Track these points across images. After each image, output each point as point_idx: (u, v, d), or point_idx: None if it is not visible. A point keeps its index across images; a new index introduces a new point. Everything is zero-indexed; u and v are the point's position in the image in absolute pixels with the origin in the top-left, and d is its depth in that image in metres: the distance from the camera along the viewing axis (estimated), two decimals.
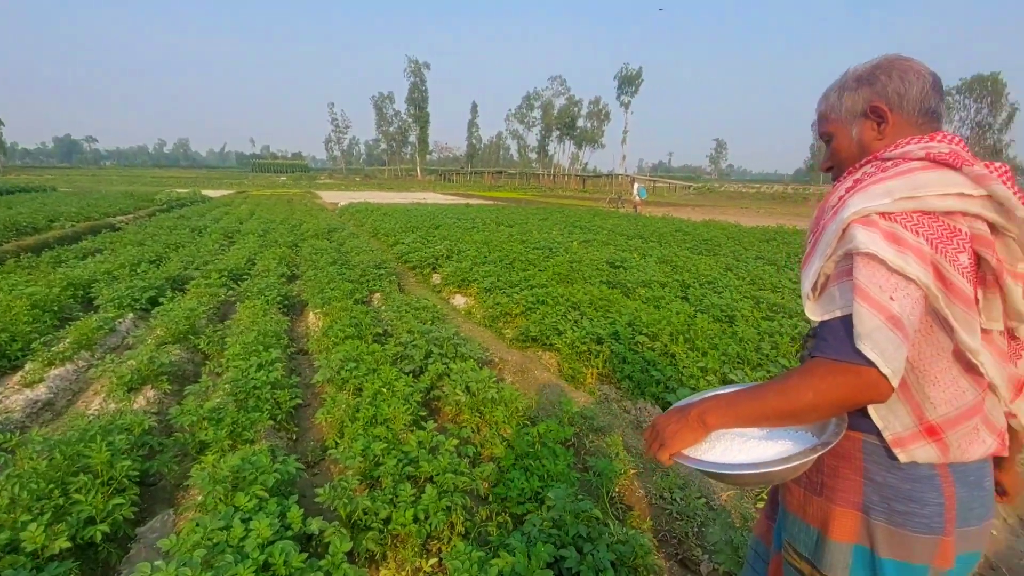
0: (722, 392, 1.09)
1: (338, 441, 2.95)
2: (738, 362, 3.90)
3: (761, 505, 2.49)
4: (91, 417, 2.90)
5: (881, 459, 0.98)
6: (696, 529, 2.34)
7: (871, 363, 0.82)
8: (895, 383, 0.83)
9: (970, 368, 0.92)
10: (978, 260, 0.90)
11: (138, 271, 6.72)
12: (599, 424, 3.12)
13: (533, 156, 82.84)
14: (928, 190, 0.88)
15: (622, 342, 4.20)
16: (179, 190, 28.14)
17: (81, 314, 5.31)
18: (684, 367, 3.77)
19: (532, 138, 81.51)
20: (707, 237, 11.53)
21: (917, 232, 0.87)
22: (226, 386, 3.27)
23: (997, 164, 0.92)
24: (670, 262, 7.93)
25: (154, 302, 5.66)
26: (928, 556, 0.95)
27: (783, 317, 4.99)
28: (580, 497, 2.20)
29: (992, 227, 0.90)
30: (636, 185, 28.04)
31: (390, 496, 2.19)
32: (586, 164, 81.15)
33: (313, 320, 5.40)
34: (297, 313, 5.98)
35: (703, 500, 2.48)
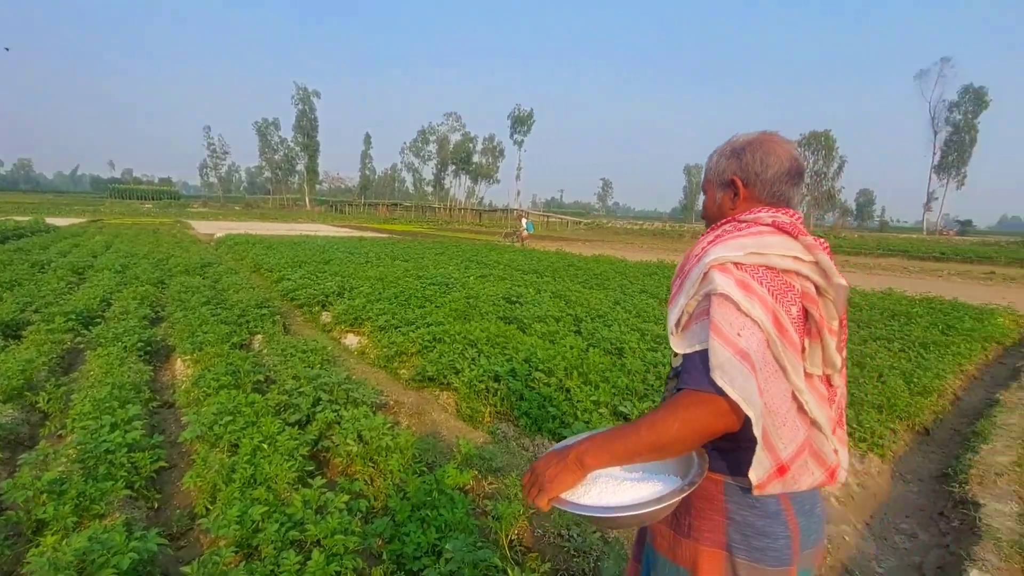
0: (596, 432, 1.13)
1: (209, 507, 2.64)
2: (627, 393, 4.10)
3: None
4: None
5: (740, 499, 1.08)
6: (592, 564, 2.38)
7: (722, 392, 0.93)
8: (747, 411, 0.94)
9: (800, 408, 1.06)
10: (806, 314, 1.06)
11: None
12: (497, 465, 3.10)
13: (429, 189, 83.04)
14: (772, 250, 1.05)
15: (519, 379, 4.25)
16: (17, 218, 24.34)
17: None
18: (578, 401, 3.89)
19: (428, 171, 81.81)
20: (597, 271, 12.17)
21: (762, 283, 1.02)
22: (71, 451, 2.82)
23: (821, 240, 1.10)
24: (564, 296, 8.23)
25: None
26: None
27: (666, 348, 5.36)
28: (479, 545, 2.16)
29: (817, 288, 1.07)
30: (524, 220, 29.48)
31: (271, 567, 1.99)
32: (482, 198, 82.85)
33: (181, 368, 4.87)
34: (162, 360, 5.35)
35: (598, 535, 2.54)
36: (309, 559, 2.00)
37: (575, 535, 2.54)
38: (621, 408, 3.82)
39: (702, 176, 1.32)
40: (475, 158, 77.60)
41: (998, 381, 6.04)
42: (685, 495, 0.99)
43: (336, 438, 3.09)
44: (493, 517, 2.48)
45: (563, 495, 1.02)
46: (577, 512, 1.00)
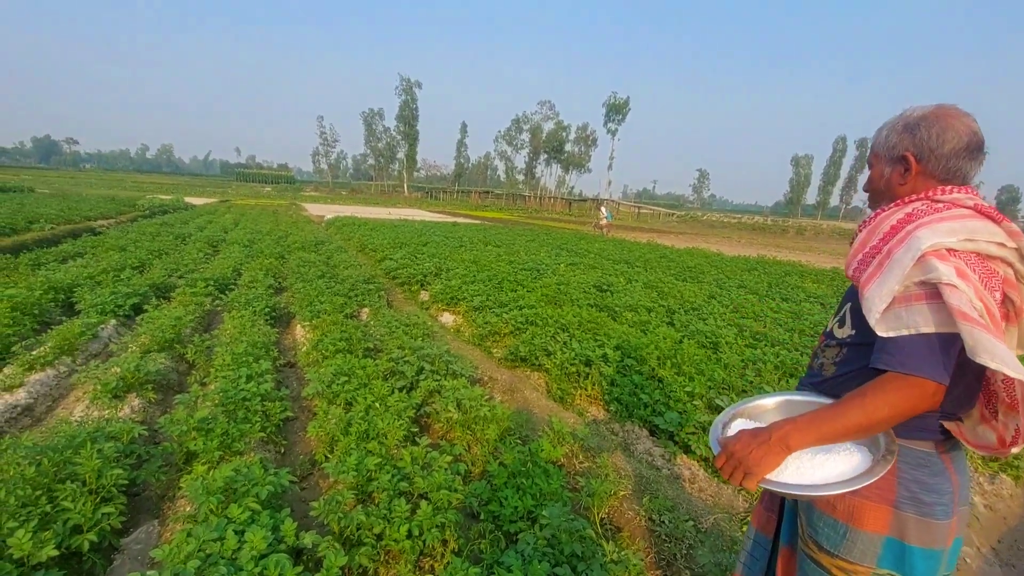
0: (796, 416, 1.14)
1: (328, 456, 2.94)
2: (723, 388, 3.98)
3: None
4: (76, 424, 2.85)
5: (913, 460, 1.13)
6: (685, 551, 2.38)
7: (933, 377, 0.98)
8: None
9: None
10: (1004, 298, 1.08)
11: (121, 277, 6.62)
12: (589, 445, 3.16)
13: (520, 178, 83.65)
14: (980, 236, 1.04)
15: (610, 364, 4.26)
16: (162, 196, 27.80)
17: (62, 318, 5.20)
18: (671, 391, 3.84)
19: (520, 160, 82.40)
20: (691, 264, 11.74)
21: (974, 270, 1.02)
22: (215, 396, 3.24)
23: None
24: (656, 287, 8.06)
25: (138, 309, 5.58)
26: (943, 540, 1.11)
27: (766, 345, 5.11)
28: (573, 517, 2.23)
29: (1016, 274, 1.08)
30: (603, 209, 29.00)
31: (384, 512, 2.20)
32: (572, 188, 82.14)
33: (301, 333, 5.37)
34: (284, 325, 5.94)
35: (691, 523, 2.53)
36: (418, 508, 2.19)
37: (666, 520, 2.55)
38: (717, 401, 3.72)
39: (868, 150, 1.30)
40: (567, 147, 76.98)
41: None
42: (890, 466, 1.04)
43: (437, 405, 3.30)
44: (586, 493, 2.55)
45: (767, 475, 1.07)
46: (791, 492, 1.05)
